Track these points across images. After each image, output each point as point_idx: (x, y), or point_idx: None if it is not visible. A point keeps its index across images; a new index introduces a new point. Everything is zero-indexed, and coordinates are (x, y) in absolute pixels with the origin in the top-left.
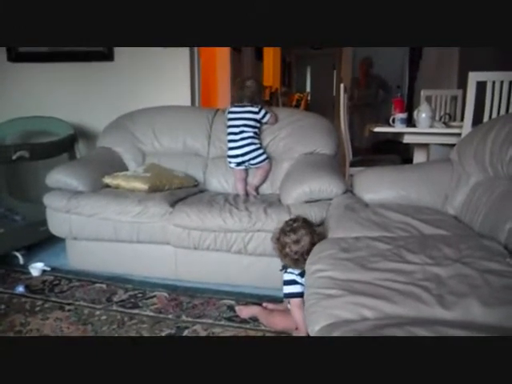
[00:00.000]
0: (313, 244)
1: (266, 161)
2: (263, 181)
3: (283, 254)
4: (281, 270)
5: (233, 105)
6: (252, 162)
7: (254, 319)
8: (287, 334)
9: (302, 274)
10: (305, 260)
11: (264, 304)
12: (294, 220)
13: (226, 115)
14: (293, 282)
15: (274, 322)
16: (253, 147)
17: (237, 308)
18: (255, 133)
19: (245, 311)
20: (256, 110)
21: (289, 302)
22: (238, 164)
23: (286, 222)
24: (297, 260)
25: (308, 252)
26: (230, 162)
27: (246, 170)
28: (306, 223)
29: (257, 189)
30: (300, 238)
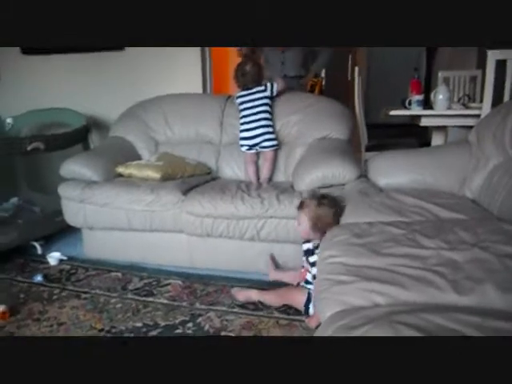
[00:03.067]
0: (336, 214)
1: (275, 147)
2: (273, 170)
3: (317, 223)
4: (305, 254)
5: (240, 90)
6: (264, 144)
7: (267, 306)
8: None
9: None
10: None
11: (272, 272)
12: (328, 195)
13: (236, 101)
14: None
15: (278, 299)
16: (266, 129)
17: (233, 290)
18: (268, 112)
19: (241, 294)
20: (263, 88)
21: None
22: (250, 147)
23: (321, 196)
24: (322, 223)
25: (330, 223)
26: (242, 146)
27: (257, 154)
28: (328, 196)
29: (269, 180)
30: (329, 204)
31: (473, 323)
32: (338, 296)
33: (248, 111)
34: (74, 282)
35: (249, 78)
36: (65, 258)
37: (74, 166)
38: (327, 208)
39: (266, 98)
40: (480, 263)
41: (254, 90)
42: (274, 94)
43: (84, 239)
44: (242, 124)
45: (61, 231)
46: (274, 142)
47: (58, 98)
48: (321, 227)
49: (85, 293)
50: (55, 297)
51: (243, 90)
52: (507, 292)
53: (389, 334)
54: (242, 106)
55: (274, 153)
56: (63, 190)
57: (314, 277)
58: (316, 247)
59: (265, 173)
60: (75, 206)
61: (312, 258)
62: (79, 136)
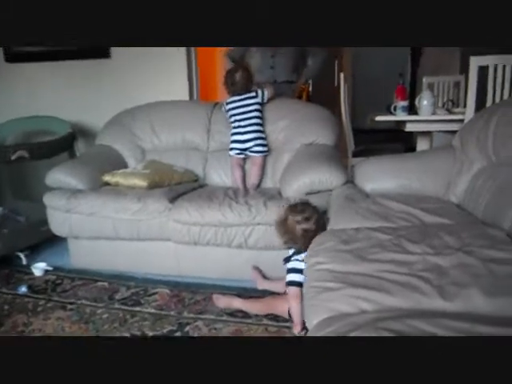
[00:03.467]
0: (318, 221)
1: (265, 153)
2: (261, 176)
3: (292, 233)
4: (284, 262)
5: (230, 96)
6: (255, 148)
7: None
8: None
9: None
10: (311, 239)
11: (260, 281)
12: (299, 203)
13: (225, 107)
14: (296, 271)
15: (262, 308)
16: (258, 135)
17: (214, 296)
18: (260, 118)
19: (222, 300)
20: (254, 94)
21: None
22: (241, 152)
23: (292, 205)
24: (305, 237)
25: (315, 230)
26: (231, 149)
27: (244, 159)
28: (309, 204)
29: (257, 187)
30: (310, 216)
31: (460, 329)
32: (326, 303)
33: (240, 116)
34: (59, 292)
35: (239, 86)
36: (50, 268)
37: (60, 175)
38: (292, 220)
39: (257, 104)
40: (465, 268)
41: (245, 96)
42: (265, 100)
43: (70, 249)
44: (234, 128)
45: (46, 241)
46: (265, 148)
47: (44, 105)
48: (294, 238)
49: (71, 303)
50: (40, 308)
51: (233, 95)
52: (492, 297)
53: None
54: (232, 112)
55: (264, 159)
56: (48, 200)
57: (289, 283)
58: (294, 254)
59: (253, 179)
60: (61, 216)
61: (289, 265)
62: (65, 144)
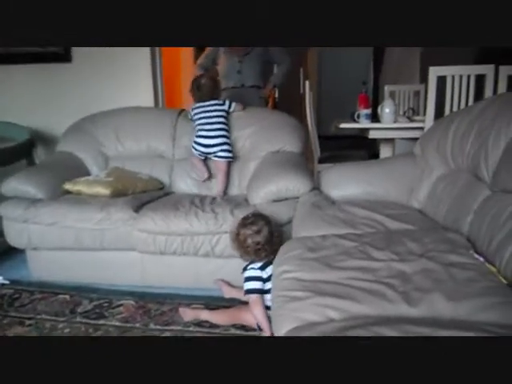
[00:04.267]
0: (271, 233)
1: (229, 159)
2: (226, 183)
3: (244, 247)
4: (242, 271)
5: (196, 102)
6: (220, 154)
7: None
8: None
9: (262, 267)
10: (266, 250)
11: (227, 289)
12: (250, 215)
13: (191, 113)
14: (253, 279)
15: (229, 319)
16: (224, 140)
17: (180, 310)
18: (226, 125)
19: (188, 313)
20: (221, 102)
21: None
22: (203, 155)
23: (243, 218)
24: (258, 250)
25: (268, 242)
26: (195, 149)
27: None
28: (261, 215)
29: (224, 194)
30: (261, 229)
31: (422, 334)
32: (293, 312)
33: (205, 120)
34: (17, 307)
35: (204, 91)
36: (7, 282)
37: (17, 184)
38: (243, 234)
39: (223, 111)
40: (427, 273)
41: (211, 102)
42: (231, 110)
43: (29, 261)
44: (198, 131)
45: (3, 253)
46: (230, 154)
47: (0, 110)
48: (246, 252)
49: (29, 319)
50: None
51: (200, 101)
52: (453, 301)
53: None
54: (198, 116)
55: (228, 164)
56: (5, 210)
57: (247, 291)
58: (250, 263)
59: (220, 186)
60: (18, 226)
61: (245, 274)
62: (23, 151)
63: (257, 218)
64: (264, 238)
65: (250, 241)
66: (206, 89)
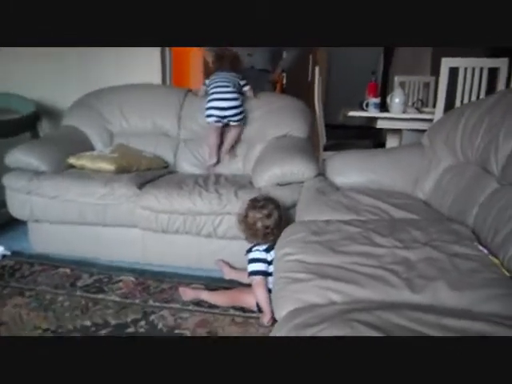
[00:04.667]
0: (280, 217)
1: (243, 122)
2: (235, 143)
3: (253, 229)
4: (246, 253)
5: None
6: (234, 118)
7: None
8: (248, 310)
9: (268, 250)
10: (274, 234)
11: (227, 271)
12: (260, 197)
13: (207, 82)
14: (258, 260)
15: (229, 300)
16: (238, 103)
17: (180, 289)
18: (241, 94)
19: (189, 293)
20: (240, 76)
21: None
22: (219, 119)
23: (253, 200)
24: (267, 234)
25: (277, 226)
26: (209, 116)
27: (223, 128)
28: (271, 199)
29: (230, 151)
30: (271, 212)
31: (427, 321)
32: (295, 294)
33: (221, 84)
34: (17, 278)
35: (226, 62)
36: (8, 252)
37: (21, 155)
38: (252, 217)
39: (238, 84)
40: (432, 262)
41: (231, 73)
42: (244, 89)
43: (30, 233)
44: (212, 94)
45: (5, 224)
46: (243, 116)
47: (5, 82)
48: (254, 234)
49: (29, 290)
50: None
51: (219, 71)
52: (456, 290)
53: (345, 331)
54: (214, 84)
55: (241, 127)
56: (8, 181)
57: (251, 273)
58: (255, 245)
59: (228, 143)
60: (21, 198)
61: (250, 255)
62: (27, 123)
63: (267, 202)
64: (274, 222)
65: (259, 224)
66: (228, 60)
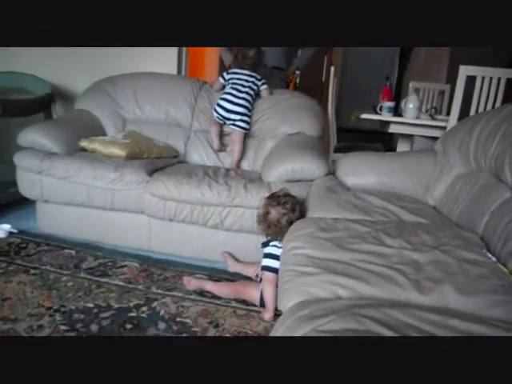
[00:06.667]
0: (302, 212)
1: (246, 131)
2: (242, 153)
3: (278, 226)
4: (262, 246)
5: (235, 67)
6: (239, 123)
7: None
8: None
9: None
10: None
11: (231, 263)
12: (280, 193)
13: (226, 76)
14: (273, 257)
15: (233, 292)
16: (246, 111)
17: (185, 278)
18: (252, 98)
19: (193, 282)
20: (259, 77)
21: (260, 279)
22: (222, 119)
23: (272, 197)
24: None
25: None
26: (215, 112)
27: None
28: (290, 195)
29: (238, 164)
30: (294, 207)
31: (432, 321)
32: (302, 287)
33: (236, 86)
34: (23, 256)
35: (249, 63)
36: (15, 230)
37: (34, 135)
38: (276, 213)
39: (255, 86)
40: (440, 265)
41: (250, 73)
42: (261, 88)
43: (38, 212)
44: (225, 93)
45: (13, 203)
46: (248, 126)
47: (22, 62)
48: (279, 231)
49: (34, 268)
50: (1, 271)
51: (238, 68)
52: (464, 294)
53: (352, 325)
54: (232, 81)
55: (244, 136)
56: (20, 160)
57: (264, 268)
58: (273, 239)
59: (235, 157)
60: (32, 177)
61: (266, 250)
62: (41, 104)
63: (288, 198)
64: (298, 216)
65: (284, 220)
66: (251, 60)
